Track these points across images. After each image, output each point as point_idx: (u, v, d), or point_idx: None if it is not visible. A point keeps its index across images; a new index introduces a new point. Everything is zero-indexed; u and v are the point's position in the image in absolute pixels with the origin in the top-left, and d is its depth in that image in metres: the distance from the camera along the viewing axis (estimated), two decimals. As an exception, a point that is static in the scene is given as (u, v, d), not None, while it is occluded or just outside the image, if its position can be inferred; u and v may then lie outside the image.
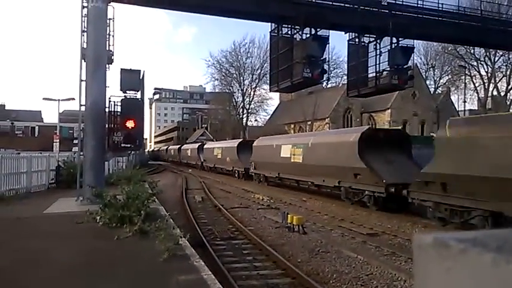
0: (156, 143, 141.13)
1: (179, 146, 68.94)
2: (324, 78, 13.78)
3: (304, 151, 21.08)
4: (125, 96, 12.35)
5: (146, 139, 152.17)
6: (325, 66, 13.37)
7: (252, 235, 11.68)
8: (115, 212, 8.55)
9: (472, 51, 49.13)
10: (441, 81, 59.96)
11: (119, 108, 12.42)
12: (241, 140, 38.34)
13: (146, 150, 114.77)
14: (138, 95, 12.59)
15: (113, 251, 6.71)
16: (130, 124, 12.16)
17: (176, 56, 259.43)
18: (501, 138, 10.11)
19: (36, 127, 58.39)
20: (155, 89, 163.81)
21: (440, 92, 58.62)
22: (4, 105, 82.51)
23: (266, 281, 7.86)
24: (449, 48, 49.74)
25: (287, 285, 7.59)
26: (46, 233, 8.48)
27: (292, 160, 22.68)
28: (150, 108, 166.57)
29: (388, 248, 10.51)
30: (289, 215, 13.11)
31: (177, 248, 6.37)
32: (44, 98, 25.90)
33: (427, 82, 57.45)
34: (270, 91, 18.16)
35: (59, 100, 23.60)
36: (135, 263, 6.03)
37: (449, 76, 57.36)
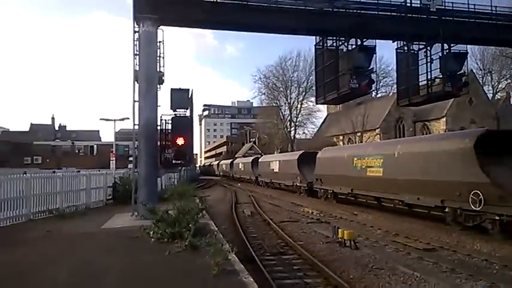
0: (206, 158, 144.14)
1: (231, 160, 66.86)
2: (372, 89, 13.43)
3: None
4: (175, 114, 12.80)
5: (197, 154, 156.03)
6: (373, 77, 13.09)
7: (302, 250, 11.50)
8: (167, 227, 8.79)
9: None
10: (500, 86, 56.77)
11: (169, 126, 12.88)
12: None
13: (197, 165, 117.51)
14: (188, 113, 13.00)
15: (164, 266, 6.87)
16: (180, 141, 12.55)
17: (224, 72, 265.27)
18: (332, 157, 24.10)
19: (95, 146, 61.72)
20: (204, 105, 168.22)
21: (499, 97, 55.37)
22: (65, 126, 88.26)
23: (317, 297, 7.69)
24: (507, 52, 47.02)
25: (339, 303, 7.37)
26: (103, 247, 8.87)
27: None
28: (200, 124, 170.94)
29: (447, 264, 9.95)
30: (340, 230, 12.80)
31: (226, 263, 6.41)
32: (101, 119, 27.43)
33: (485, 88, 54.56)
34: (317, 103, 18.10)
35: (114, 120, 24.94)
36: (185, 279, 6.14)
37: (509, 80, 54.15)
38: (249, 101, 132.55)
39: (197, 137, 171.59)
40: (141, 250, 8.16)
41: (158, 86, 13.55)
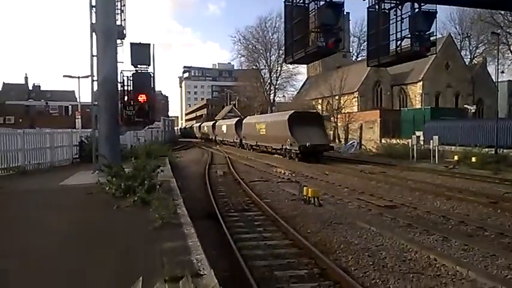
0: (187, 120, 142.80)
1: (213, 122, 62.96)
2: (340, 47, 13.11)
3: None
4: (136, 70, 12.30)
5: (177, 117, 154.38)
6: (341, 35, 12.71)
7: (267, 207, 11.55)
8: (121, 182, 8.60)
9: (510, 18, 46.17)
10: (477, 51, 57.05)
11: (131, 83, 12.42)
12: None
13: (177, 127, 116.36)
14: (150, 69, 12.53)
15: (109, 219, 6.74)
16: (142, 98, 12.16)
17: (205, 33, 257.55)
18: (249, 123, 39.10)
19: (70, 106, 59.99)
20: (184, 67, 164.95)
21: (476, 62, 55.71)
22: (39, 86, 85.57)
23: (272, 251, 7.73)
24: (485, 16, 46.91)
25: (292, 255, 7.43)
26: (55, 203, 8.66)
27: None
28: (180, 86, 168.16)
29: (404, 220, 10.15)
30: (305, 188, 12.89)
31: (172, 217, 6.30)
32: (64, 75, 26.49)
33: (462, 53, 54.64)
34: (285, 62, 17.71)
35: (78, 77, 24.00)
36: (127, 231, 6.02)
37: (486, 46, 54.37)
38: (230, 63, 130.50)
39: (177, 99, 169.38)
40: (92, 206, 7.99)
41: (120, 41, 12.95)
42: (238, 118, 48.32)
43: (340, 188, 15.94)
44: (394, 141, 33.02)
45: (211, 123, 64.67)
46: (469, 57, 56.64)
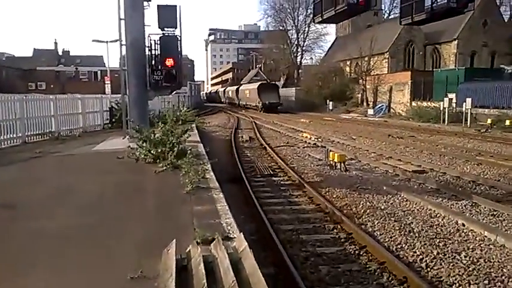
0: (212, 85, 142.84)
1: (237, 87, 65.69)
2: (372, 5, 12.57)
3: (246, 91, 55.13)
4: (163, 33, 12.25)
5: (203, 82, 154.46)
6: (373, -9, 12.16)
7: (292, 172, 11.64)
8: (151, 148, 8.81)
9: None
10: (519, 6, 53.54)
11: (158, 47, 12.41)
12: (260, 82, 54.21)
13: (203, 92, 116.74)
14: (177, 32, 12.45)
15: (140, 183, 6.98)
16: (169, 62, 12.15)
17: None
18: (241, 89, 61.83)
19: (99, 71, 60.92)
20: (210, 29, 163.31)
21: (517, 18, 52.48)
22: (69, 52, 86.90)
23: (298, 215, 7.86)
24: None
25: (318, 220, 7.54)
26: (88, 167, 9.02)
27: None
28: (206, 50, 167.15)
29: (432, 186, 10.04)
30: (331, 153, 12.84)
31: (202, 181, 6.46)
32: (93, 40, 26.66)
33: (502, 9, 51.47)
34: (314, 22, 17.13)
35: (107, 42, 24.17)
36: (157, 195, 6.23)
37: (529, 0, 50.93)
38: (256, 24, 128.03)
39: (203, 63, 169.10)
40: (122, 170, 8.26)
41: (146, 3, 12.83)
42: (260, 82, 54.20)
43: (367, 152, 15.80)
44: (425, 104, 32.10)
45: (235, 87, 66.97)
46: (508, 13, 53.33)
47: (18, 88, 47.50)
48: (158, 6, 12.17)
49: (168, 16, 12.15)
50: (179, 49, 12.44)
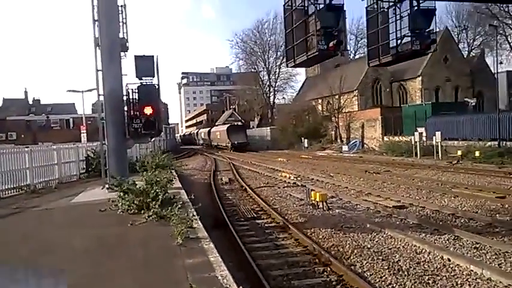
0: (187, 127, 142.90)
1: (209, 129, 68.78)
2: (341, 49, 13.15)
3: (216, 132, 58.93)
4: (141, 83, 12.39)
5: (177, 124, 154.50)
6: (342, 37, 12.77)
7: (276, 214, 11.66)
8: (134, 198, 8.69)
9: (506, 9, 46.32)
10: (475, 43, 57.07)
11: (136, 96, 12.51)
12: (229, 124, 57.99)
13: (178, 134, 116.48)
14: (155, 81, 12.62)
15: (126, 236, 6.84)
16: (148, 110, 12.22)
17: (201, 35, 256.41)
18: (212, 131, 65.69)
19: (71, 119, 60.25)
20: (182, 73, 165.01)
21: (474, 55, 55.75)
22: (39, 100, 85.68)
23: (286, 259, 7.82)
24: (482, 8, 47.02)
25: (307, 263, 7.52)
26: (69, 221, 8.77)
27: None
28: (179, 93, 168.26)
29: (414, 221, 10.24)
30: (312, 192, 12.98)
31: (190, 231, 6.39)
32: (68, 90, 26.71)
33: (460, 45, 54.64)
34: (287, 67, 17.74)
35: (82, 91, 24.17)
36: (147, 247, 6.12)
37: (483, 37, 54.47)
38: (227, 67, 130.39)
39: (177, 106, 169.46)
40: (107, 223, 8.08)
41: (123, 53, 13.04)
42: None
43: (346, 189, 16.02)
44: (396, 138, 33.11)
45: (207, 129, 71.42)
46: (466, 50, 56.66)
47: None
48: (135, 56, 12.38)
49: (145, 66, 12.36)
50: (158, 97, 12.58)
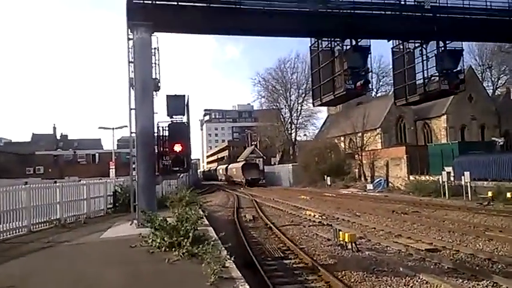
0: (208, 163, 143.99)
1: (226, 165, 75.96)
2: (368, 89, 13.36)
3: (233, 169, 68.05)
4: (171, 121, 12.74)
5: (198, 160, 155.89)
6: (368, 77, 12.99)
7: (304, 254, 11.44)
8: (165, 235, 8.72)
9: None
10: (499, 81, 56.64)
11: (166, 133, 12.83)
12: (244, 162, 65.40)
13: (199, 171, 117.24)
14: (185, 119, 12.95)
15: (161, 275, 6.82)
16: (178, 148, 12.48)
17: (224, 74, 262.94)
18: (229, 167, 74.79)
19: (97, 154, 61.59)
20: (205, 110, 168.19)
21: (499, 93, 55.16)
22: (67, 136, 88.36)
23: (318, 303, 7.61)
24: (506, 46, 46.93)
25: (340, 308, 7.29)
26: (101, 257, 8.82)
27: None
28: (201, 129, 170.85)
29: (449, 265, 9.86)
30: (340, 232, 12.73)
31: (223, 270, 6.35)
32: (99, 127, 27.83)
33: (484, 84, 54.33)
34: (314, 106, 18.02)
35: (113, 128, 24.95)
36: (180, 286, 6.08)
37: (508, 76, 54.03)
38: (249, 104, 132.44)
39: (199, 142, 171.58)
40: (139, 260, 8.09)
41: (154, 92, 13.51)
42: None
43: (374, 230, 15.65)
44: (423, 177, 32.45)
45: (225, 166, 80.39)
46: (491, 88, 56.19)
47: (15, 173, 47.55)
48: (167, 96, 12.83)
49: (176, 105, 12.77)
50: (188, 135, 12.86)
